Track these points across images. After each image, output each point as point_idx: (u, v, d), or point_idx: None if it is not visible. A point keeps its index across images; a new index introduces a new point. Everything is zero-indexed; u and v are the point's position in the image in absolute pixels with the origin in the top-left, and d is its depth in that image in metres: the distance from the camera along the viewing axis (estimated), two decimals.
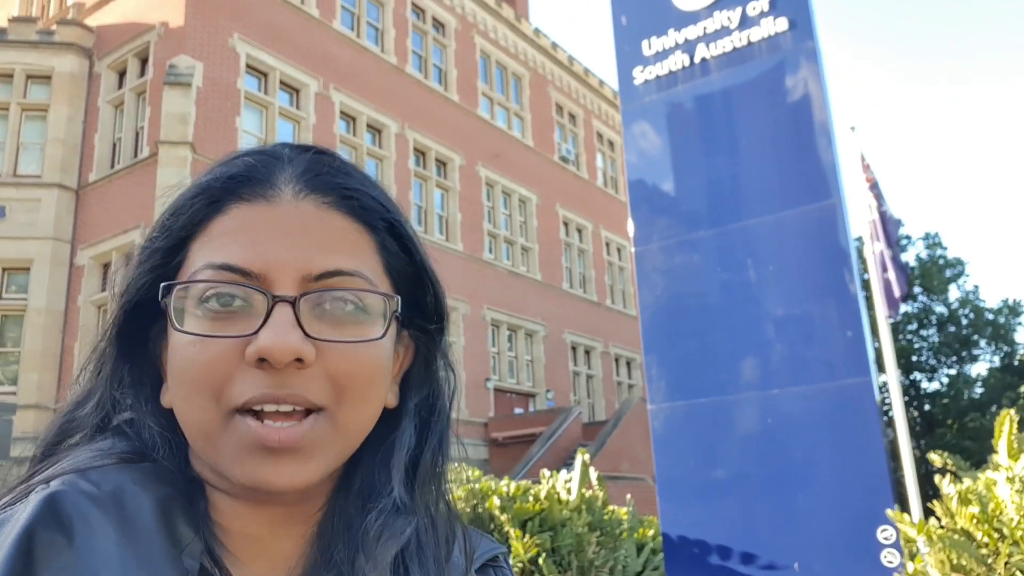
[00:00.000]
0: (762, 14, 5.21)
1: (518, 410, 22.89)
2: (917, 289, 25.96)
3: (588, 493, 5.68)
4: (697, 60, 5.39)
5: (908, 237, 26.86)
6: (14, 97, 17.26)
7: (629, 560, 5.55)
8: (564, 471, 6.04)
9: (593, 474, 5.90)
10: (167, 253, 0.60)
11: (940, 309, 26.22)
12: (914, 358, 25.75)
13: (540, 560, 4.69)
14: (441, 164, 22.62)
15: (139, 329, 0.62)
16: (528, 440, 20.09)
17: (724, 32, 5.32)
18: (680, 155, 5.40)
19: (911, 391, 26.18)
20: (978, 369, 26.97)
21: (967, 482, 4.01)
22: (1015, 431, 3.90)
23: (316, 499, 0.63)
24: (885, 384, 26.80)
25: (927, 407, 25.50)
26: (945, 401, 24.45)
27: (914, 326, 26.28)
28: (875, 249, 6.51)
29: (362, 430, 0.61)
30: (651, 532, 6.07)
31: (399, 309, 0.61)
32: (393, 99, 20.94)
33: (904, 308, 26.72)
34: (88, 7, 18.72)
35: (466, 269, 22.14)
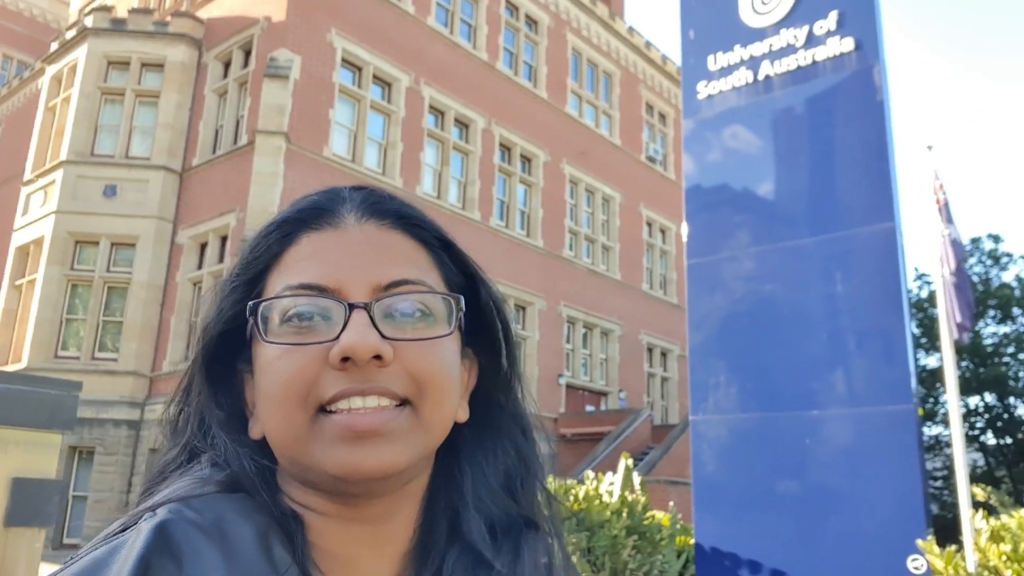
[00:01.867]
0: (829, 33, 5.19)
1: (589, 408, 22.95)
2: (1016, 311, 24.67)
3: (631, 497, 5.78)
4: (761, 77, 5.41)
5: (1009, 255, 25.53)
6: (129, 84, 18.38)
7: (667, 565, 5.62)
8: (610, 474, 6.16)
9: (636, 479, 6.00)
10: (247, 286, 0.66)
11: None
12: (1010, 383, 24.48)
13: (574, 559, 4.83)
14: (526, 160, 22.83)
15: (226, 366, 0.67)
16: (596, 438, 20.15)
17: (790, 50, 5.32)
18: (738, 170, 5.44)
19: (1003, 417, 24.91)
20: None
21: (1005, 519, 3.97)
22: None
23: (402, 518, 0.66)
24: (977, 408, 25.58)
25: (1020, 435, 24.24)
26: None
27: (1012, 349, 24.98)
28: (943, 273, 6.36)
29: (443, 429, 0.64)
30: (692, 540, 6.12)
31: (463, 308, 0.66)
32: (482, 95, 21.27)
33: (1004, 330, 25.43)
34: (199, 0, 19.73)
35: (545, 265, 22.31)
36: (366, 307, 0.61)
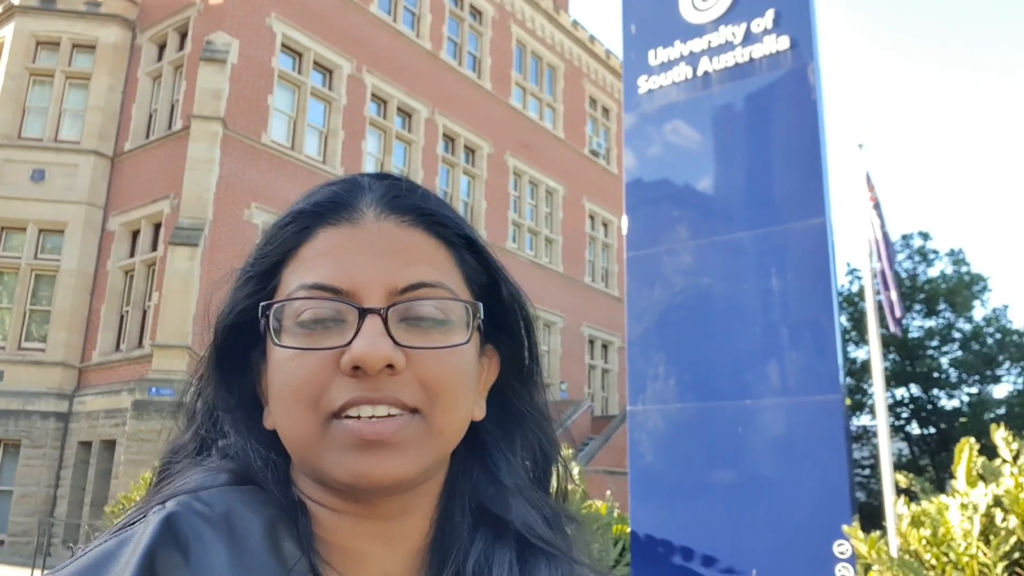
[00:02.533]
0: (766, 31, 5.30)
1: None
2: (941, 306, 25.64)
3: (569, 487, 5.84)
4: (700, 73, 5.50)
5: (935, 252, 26.52)
6: (59, 65, 17.71)
7: (603, 553, 5.70)
8: None
9: (574, 469, 6.07)
10: (262, 279, 0.64)
11: (964, 326, 25.88)
12: (935, 375, 25.47)
13: None
14: (470, 151, 22.78)
15: (239, 356, 0.66)
16: None
17: (728, 47, 5.42)
18: (677, 165, 5.53)
19: (928, 408, 25.91)
20: (1001, 390, 26.59)
21: (925, 504, 4.13)
22: (975, 459, 4.00)
23: (416, 515, 0.65)
24: (903, 399, 26.54)
25: (943, 425, 25.25)
26: (964, 420, 24.19)
27: (936, 343, 25.99)
28: (876, 268, 6.57)
29: (455, 434, 0.63)
30: (629, 528, 6.23)
31: (481, 315, 0.64)
32: (425, 84, 21.12)
33: (929, 324, 26.40)
34: None
35: None
36: (380, 312, 0.59)
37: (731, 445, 4.76)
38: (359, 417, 0.58)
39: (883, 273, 7.00)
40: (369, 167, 19.47)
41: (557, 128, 26.25)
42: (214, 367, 0.66)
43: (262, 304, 0.61)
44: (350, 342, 0.58)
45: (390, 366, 0.58)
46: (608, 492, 7.11)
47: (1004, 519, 3.33)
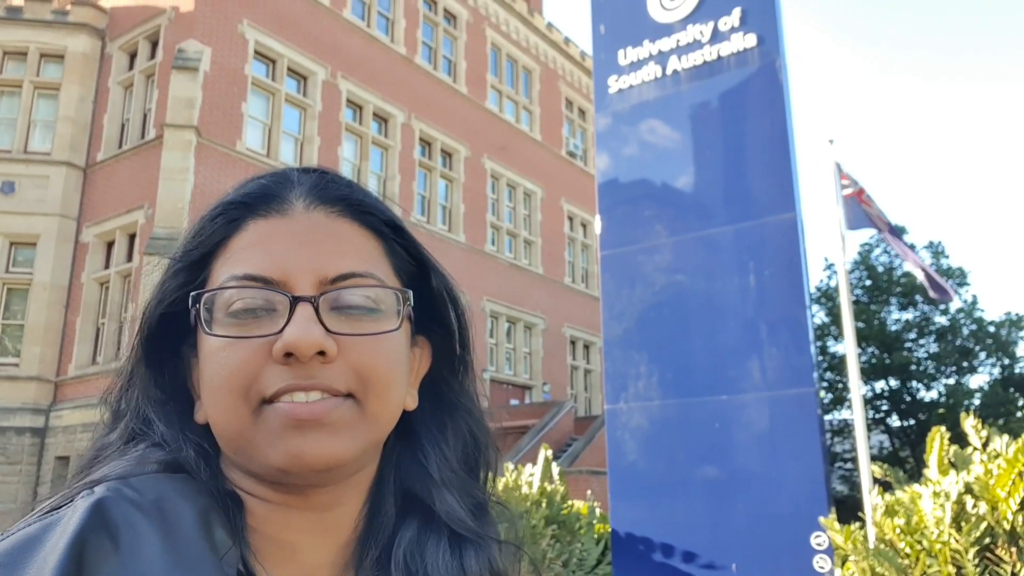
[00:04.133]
0: (732, 29, 5.33)
1: (514, 401, 23.08)
2: (918, 297, 25.95)
3: (550, 488, 5.84)
4: (669, 72, 5.52)
5: (913, 246, 26.83)
6: (27, 75, 17.50)
7: (586, 553, 5.70)
8: (529, 466, 6.21)
9: (555, 469, 6.07)
10: (192, 270, 0.64)
11: (940, 319, 26.21)
12: (912, 367, 25.76)
13: None
14: (447, 155, 22.76)
15: (169, 349, 0.65)
16: (521, 431, 20.28)
17: (696, 46, 5.45)
18: (649, 163, 5.55)
19: (906, 400, 26.20)
20: (977, 381, 26.94)
21: (900, 494, 4.17)
22: (946, 447, 4.05)
23: (348, 506, 0.65)
24: (882, 392, 26.81)
25: (922, 416, 25.53)
26: (941, 411, 24.47)
27: (913, 335, 26.29)
28: (899, 245, 6.62)
29: (389, 420, 0.63)
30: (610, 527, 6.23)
31: (411, 302, 0.64)
32: (401, 89, 21.08)
33: (906, 316, 26.70)
34: None
35: (467, 260, 22.29)
36: (311, 300, 0.59)
37: (708, 441, 4.77)
38: (291, 402, 0.58)
39: (902, 252, 7.06)
40: (346, 173, 19.28)
41: (534, 130, 26.30)
42: (142, 361, 0.65)
43: (192, 294, 0.61)
44: (282, 330, 0.58)
45: (321, 353, 0.58)
46: (589, 492, 7.13)
47: (975, 505, 3.37)
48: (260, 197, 0.64)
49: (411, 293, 0.65)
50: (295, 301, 0.59)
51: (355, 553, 0.65)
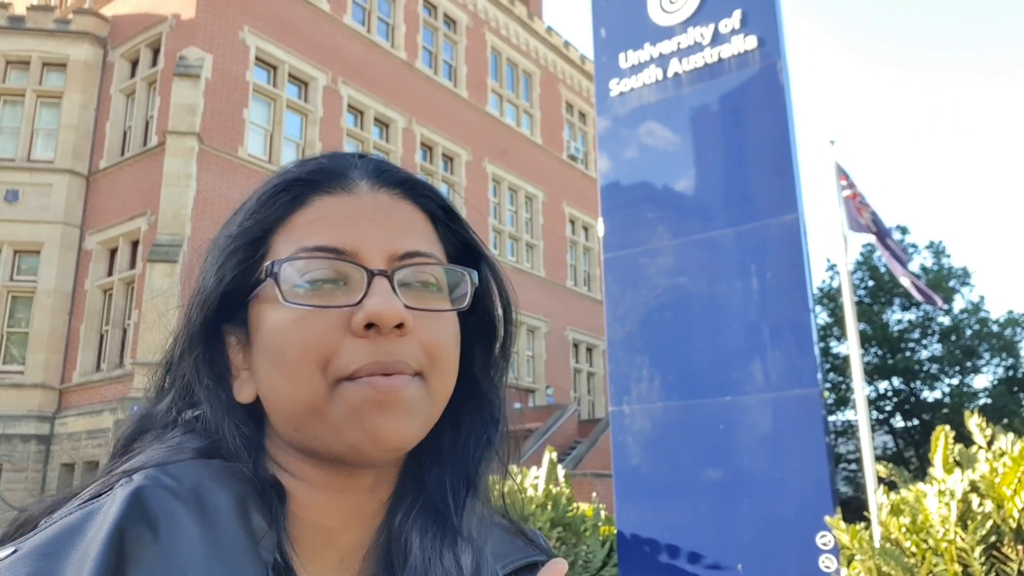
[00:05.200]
0: (733, 31, 5.35)
1: (517, 405, 23.08)
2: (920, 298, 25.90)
3: (555, 491, 5.85)
4: (670, 75, 5.54)
5: (915, 246, 26.82)
6: (30, 84, 17.55)
7: (592, 555, 5.71)
8: (534, 469, 6.22)
9: (560, 472, 6.08)
10: (250, 248, 0.63)
11: (943, 319, 26.17)
12: (915, 368, 25.72)
13: None
14: (448, 159, 22.80)
15: (213, 327, 0.64)
16: (525, 435, 20.29)
17: (696, 48, 5.47)
18: (651, 166, 5.56)
19: (911, 400, 26.16)
20: (982, 381, 26.91)
21: (905, 493, 4.17)
22: (950, 446, 4.05)
23: (381, 492, 0.65)
24: (886, 392, 26.77)
25: (926, 416, 25.49)
26: (945, 411, 24.43)
27: (916, 335, 26.25)
28: (887, 253, 6.67)
29: (445, 399, 0.64)
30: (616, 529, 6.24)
31: (476, 283, 0.66)
32: (401, 94, 21.13)
33: (908, 317, 26.67)
34: None
35: None
36: (387, 274, 0.60)
37: (712, 443, 4.78)
38: (372, 377, 0.58)
39: (894, 259, 7.09)
40: None
41: (535, 134, 26.33)
42: (200, 339, 0.63)
43: (270, 263, 0.61)
44: (360, 301, 0.58)
45: (399, 326, 0.58)
46: (594, 494, 7.13)
47: (980, 504, 3.38)
48: (325, 174, 0.65)
49: (476, 273, 0.66)
50: (372, 274, 0.60)
51: (380, 540, 0.65)
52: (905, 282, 6.85)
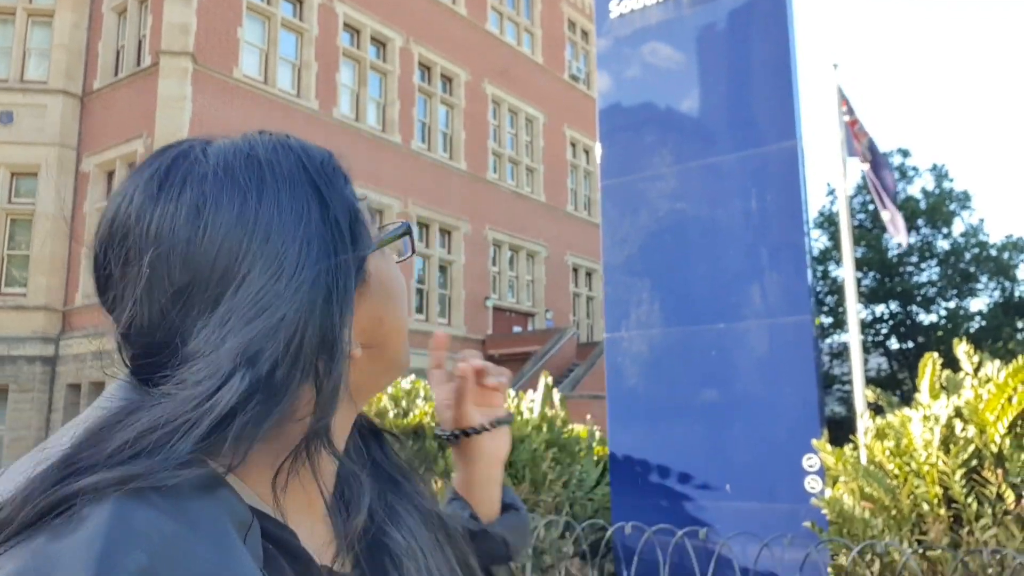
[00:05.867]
0: None
1: (516, 329, 23.31)
2: (920, 221, 25.87)
3: (550, 413, 5.98)
4: None
5: (915, 169, 26.59)
6: (20, 2, 17.13)
7: (585, 474, 5.88)
8: (531, 392, 6.35)
9: (556, 395, 6.20)
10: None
11: (943, 243, 26.16)
12: (913, 291, 25.86)
13: None
14: (447, 80, 22.39)
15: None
16: (524, 358, 20.56)
17: None
18: (651, 89, 5.49)
19: (906, 323, 26.39)
20: (978, 304, 27.06)
21: (890, 418, 4.28)
22: (938, 372, 4.13)
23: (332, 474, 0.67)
24: (883, 315, 26.99)
25: (921, 339, 25.76)
26: (940, 334, 24.68)
27: (915, 259, 26.29)
28: (873, 184, 6.66)
29: None
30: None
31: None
32: (399, 11, 20.60)
33: (908, 241, 26.66)
34: None
35: (469, 188, 22.18)
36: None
37: (707, 367, 4.86)
38: None
39: (876, 190, 7.08)
40: (344, 100, 19.12)
41: (536, 54, 25.78)
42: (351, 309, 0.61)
43: (406, 222, 0.73)
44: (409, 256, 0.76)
45: None
46: (588, 416, 7.29)
47: (963, 429, 3.46)
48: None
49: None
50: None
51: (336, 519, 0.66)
52: (885, 216, 6.84)
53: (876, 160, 7.64)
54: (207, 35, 15.92)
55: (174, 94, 15.32)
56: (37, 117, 16.76)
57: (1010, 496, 3.23)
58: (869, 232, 25.97)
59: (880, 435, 4.01)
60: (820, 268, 26.54)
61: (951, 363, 4.22)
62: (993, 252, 26.10)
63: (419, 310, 20.40)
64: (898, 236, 7.01)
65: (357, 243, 0.62)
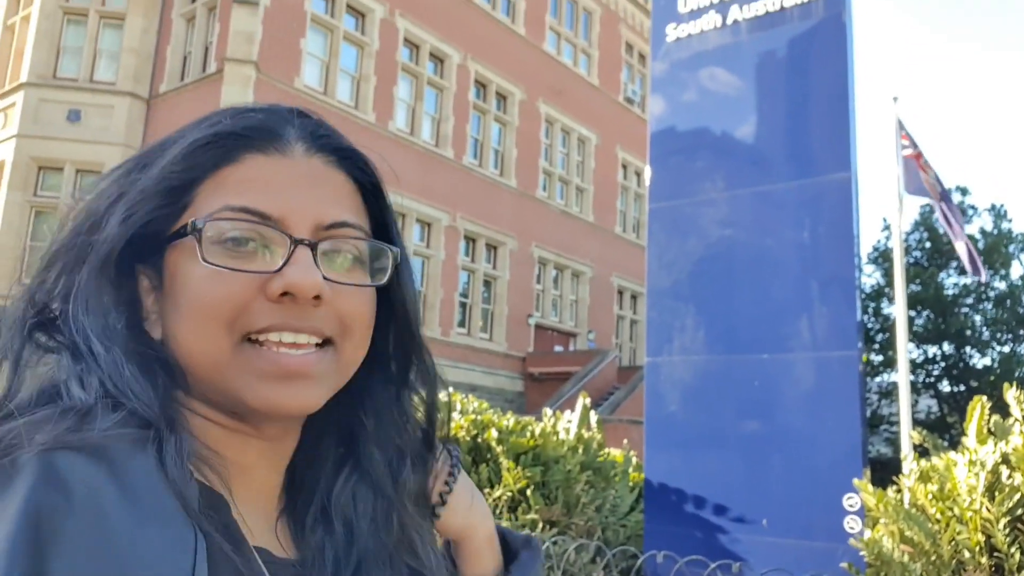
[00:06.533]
0: None
1: (558, 348, 23.24)
2: (968, 267, 25.12)
3: (587, 435, 5.94)
4: (730, 21, 5.39)
5: (974, 207, 25.91)
6: (92, 4, 17.77)
7: (619, 500, 5.81)
8: (568, 412, 6.31)
9: (593, 417, 6.16)
10: (171, 194, 0.62)
11: (999, 285, 25.38)
12: (967, 333, 25.11)
13: (528, 492, 4.98)
14: (501, 98, 22.55)
15: (125, 266, 0.62)
16: (564, 377, 20.47)
17: None
18: (703, 115, 5.47)
19: (959, 366, 25.61)
20: None
21: (936, 461, 4.16)
22: (986, 417, 4.01)
23: (291, 437, 0.67)
24: (935, 357, 26.26)
25: (973, 383, 24.97)
26: (992, 378, 23.90)
27: (971, 300, 25.56)
28: (944, 216, 6.53)
29: (353, 368, 0.66)
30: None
31: (399, 262, 0.68)
32: (458, 29, 20.86)
33: (964, 281, 25.94)
34: None
35: (517, 205, 22.26)
36: (311, 244, 0.60)
37: (749, 397, 4.79)
38: (279, 343, 0.59)
39: (948, 222, 6.93)
40: (400, 113, 19.39)
41: (591, 75, 25.84)
42: (98, 275, 0.60)
43: (194, 220, 0.59)
44: (279, 269, 0.59)
45: (317, 297, 0.60)
46: (625, 441, 7.22)
47: (1010, 476, 3.36)
48: (259, 131, 0.64)
49: (400, 251, 0.68)
50: (296, 243, 0.60)
51: (296, 478, 0.69)
52: (960, 247, 6.68)
53: (942, 192, 7.46)
54: (271, 45, 16.32)
55: (236, 100, 15.68)
56: (104, 117, 17.31)
57: None
58: (924, 270, 25.36)
59: (924, 478, 3.91)
60: (872, 305, 25.96)
61: (1001, 408, 4.10)
62: None
63: (461, 324, 20.48)
64: (973, 270, 6.84)
65: (124, 216, 0.61)
